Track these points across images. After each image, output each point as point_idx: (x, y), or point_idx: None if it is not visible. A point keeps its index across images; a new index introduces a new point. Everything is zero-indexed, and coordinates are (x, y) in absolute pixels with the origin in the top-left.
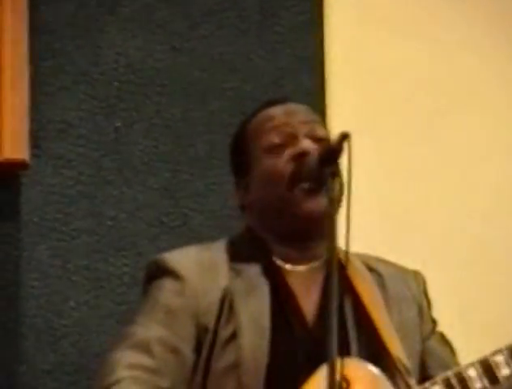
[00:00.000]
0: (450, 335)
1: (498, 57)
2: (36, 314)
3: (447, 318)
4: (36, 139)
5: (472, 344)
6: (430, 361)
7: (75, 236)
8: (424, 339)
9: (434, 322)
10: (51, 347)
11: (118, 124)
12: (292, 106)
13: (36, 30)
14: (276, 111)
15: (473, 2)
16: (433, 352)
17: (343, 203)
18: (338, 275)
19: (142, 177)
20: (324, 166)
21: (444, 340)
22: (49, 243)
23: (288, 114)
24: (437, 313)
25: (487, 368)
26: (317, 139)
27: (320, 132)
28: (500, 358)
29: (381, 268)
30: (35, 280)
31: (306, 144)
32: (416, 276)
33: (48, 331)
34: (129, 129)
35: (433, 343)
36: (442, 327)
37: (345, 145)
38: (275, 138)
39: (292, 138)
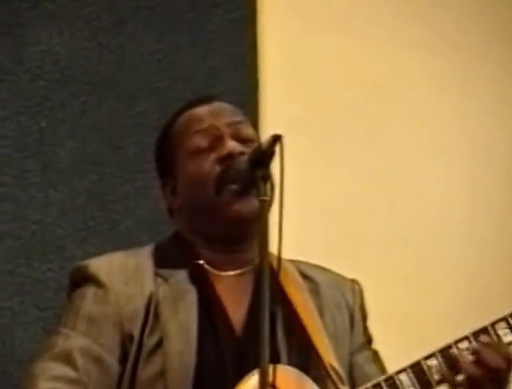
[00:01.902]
0: (387, 346)
1: (433, 56)
2: None
3: (383, 328)
4: None
5: (409, 355)
6: (357, 378)
7: None
8: (352, 353)
9: (368, 337)
10: None
11: (43, 124)
12: (217, 106)
13: None
14: (201, 112)
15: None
16: (359, 370)
17: (274, 207)
18: (269, 281)
19: (68, 180)
20: (255, 169)
21: (376, 359)
22: None
23: (213, 115)
24: (372, 323)
25: (419, 373)
26: (243, 140)
27: (247, 132)
28: (434, 362)
29: (316, 275)
30: None
31: (232, 146)
32: (353, 286)
33: None
34: (54, 129)
35: (361, 359)
36: (378, 337)
37: (277, 147)
38: (201, 141)
39: (218, 141)
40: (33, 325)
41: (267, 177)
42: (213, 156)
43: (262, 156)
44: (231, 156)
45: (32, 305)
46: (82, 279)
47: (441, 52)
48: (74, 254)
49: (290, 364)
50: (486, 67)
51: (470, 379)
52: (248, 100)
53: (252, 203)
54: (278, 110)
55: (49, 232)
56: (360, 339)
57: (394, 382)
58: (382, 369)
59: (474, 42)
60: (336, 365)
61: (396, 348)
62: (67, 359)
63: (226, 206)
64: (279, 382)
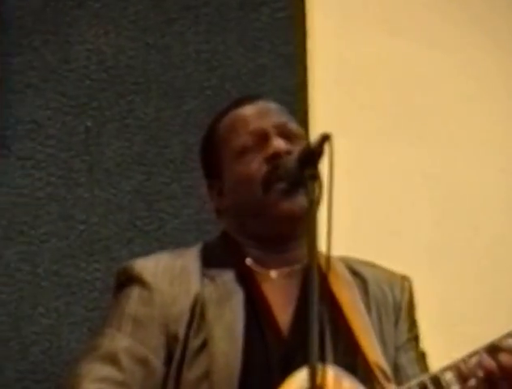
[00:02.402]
0: (432, 345)
1: (481, 56)
2: (4, 321)
3: (430, 327)
4: (3, 139)
5: (454, 354)
6: (398, 379)
7: (45, 240)
8: (397, 348)
9: (415, 335)
10: (21, 354)
11: (89, 123)
12: (263, 106)
13: (3, 25)
14: (247, 113)
15: (458, 1)
16: (402, 370)
17: (322, 206)
18: (317, 281)
19: (114, 179)
20: (303, 168)
21: (420, 360)
22: (18, 247)
23: (259, 116)
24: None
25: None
26: (290, 138)
27: (293, 131)
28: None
29: (366, 272)
30: (3, 286)
31: (278, 145)
32: (403, 282)
33: (17, 339)
34: (100, 129)
35: (405, 360)
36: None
37: (326, 147)
38: (248, 141)
39: (265, 141)
40: (80, 326)
41: (316, 177)
42: (260, 156)
43: (311, 156)
44: (277, 155)
45: (78, 305)
46: (127, 279)
47: (489, 52)
48: (121, 255)
49: (336, 364)
50: None
51: (485, 378)
52: (297, 98)
53: (300, 201)
54: (327, 109)
55: (96, 233)
56: (404, 336)
57: (440, 381)
58: (426, 371)
59: None
60: (383, 363)
61: (445, 348)
62: (113, 360)
63: (274, 204)
64: (326, 383)
